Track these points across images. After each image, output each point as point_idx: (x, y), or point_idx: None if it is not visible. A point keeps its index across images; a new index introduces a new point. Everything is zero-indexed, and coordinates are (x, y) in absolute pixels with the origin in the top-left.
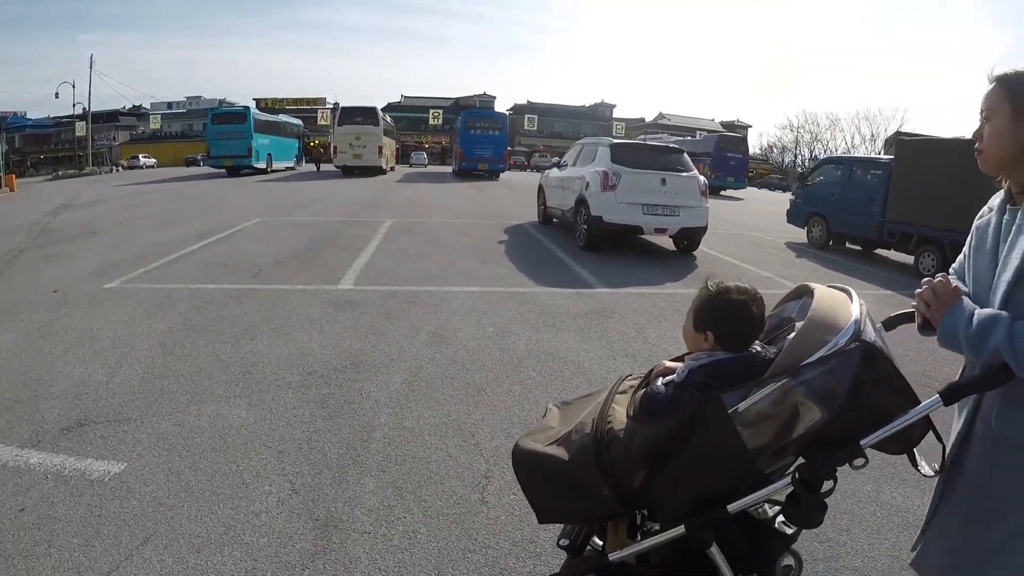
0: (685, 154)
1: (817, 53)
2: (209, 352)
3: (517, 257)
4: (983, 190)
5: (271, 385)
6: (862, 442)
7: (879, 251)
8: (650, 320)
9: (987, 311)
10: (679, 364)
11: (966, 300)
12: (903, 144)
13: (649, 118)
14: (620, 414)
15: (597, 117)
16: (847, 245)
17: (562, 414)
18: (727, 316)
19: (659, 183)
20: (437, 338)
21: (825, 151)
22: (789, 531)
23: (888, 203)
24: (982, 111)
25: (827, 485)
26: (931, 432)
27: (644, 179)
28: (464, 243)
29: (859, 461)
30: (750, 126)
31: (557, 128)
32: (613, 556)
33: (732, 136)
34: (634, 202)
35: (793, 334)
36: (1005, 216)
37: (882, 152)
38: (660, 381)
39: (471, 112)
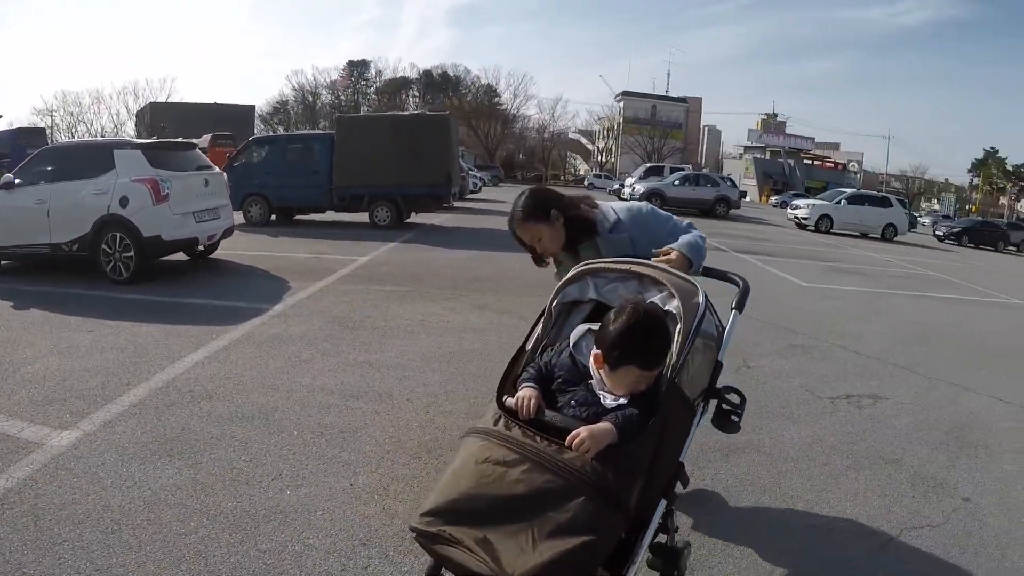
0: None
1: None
2: None
3: (146, 315)
4: (418, 153)
5: None
6: (719, 358)
7: (308, 216)
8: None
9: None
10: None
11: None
12: (343, 121)
13: None
14: (566, 454)
15: None
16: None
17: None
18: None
19: (203, 184)
20: None
21: (88, 132)
22: None
23: (335, 172)
24: (532, 240)
25: (737, 399)
26: None
27: (191, 183)
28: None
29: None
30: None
31: None
32: None
33: (32, 129)
34: (187, 211)
35: (677, 309)
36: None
37: (136, 120)
38: (610, 400)
39: None
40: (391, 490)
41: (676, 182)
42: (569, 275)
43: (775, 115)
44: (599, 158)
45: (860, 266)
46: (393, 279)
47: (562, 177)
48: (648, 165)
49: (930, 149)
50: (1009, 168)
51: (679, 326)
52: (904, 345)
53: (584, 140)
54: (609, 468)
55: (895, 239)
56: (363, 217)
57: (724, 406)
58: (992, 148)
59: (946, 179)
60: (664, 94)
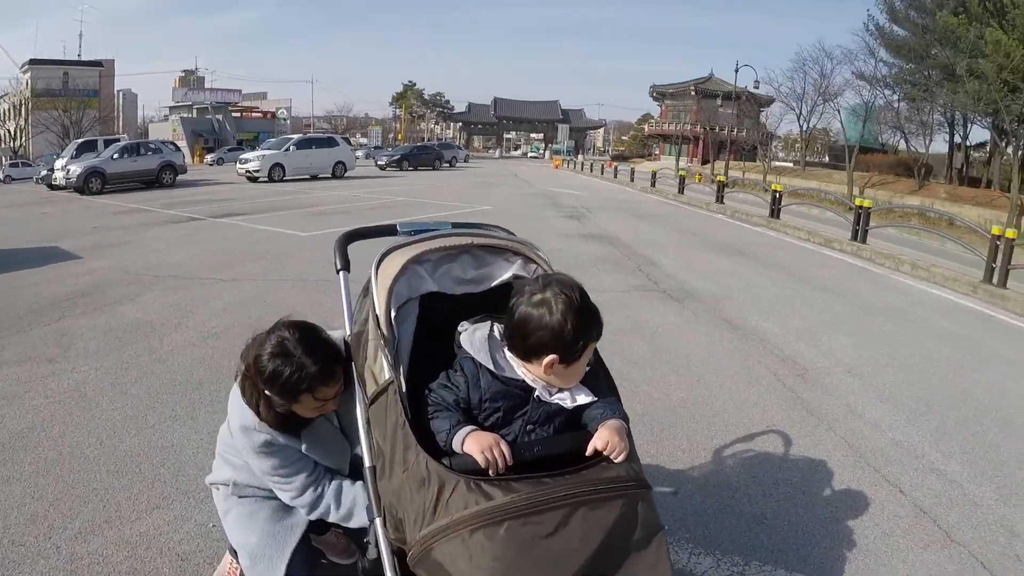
0: None
1: None
2: None
3: None
4: None
5: None
6: None
7: None
8: None
9: None
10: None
11: None
12: None
13: None
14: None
15: None
16: None
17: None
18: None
19: None
20: None
21: None
22: None
23: None
24: (333, 396)
25: None
26: None
27: None
28: None
29: None
30: None
31: None
32: None
33: None
34: None
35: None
36: None
37: None
38: (569, 401)
39: None
40: None
41: (115, 155)
42: (395, 272)
43: (195, 70)
44: (10, 143)
45: (341, 206)
46: None
47: None
48: (81, 141)
49: (353, 89)
50: (426, 97)
51: None
52: None
53: None
54: (633, 459)
55: (345, 175)
56: None
57: None
58: (410, 82)
59: (366, 114)
60: (77, 59)
